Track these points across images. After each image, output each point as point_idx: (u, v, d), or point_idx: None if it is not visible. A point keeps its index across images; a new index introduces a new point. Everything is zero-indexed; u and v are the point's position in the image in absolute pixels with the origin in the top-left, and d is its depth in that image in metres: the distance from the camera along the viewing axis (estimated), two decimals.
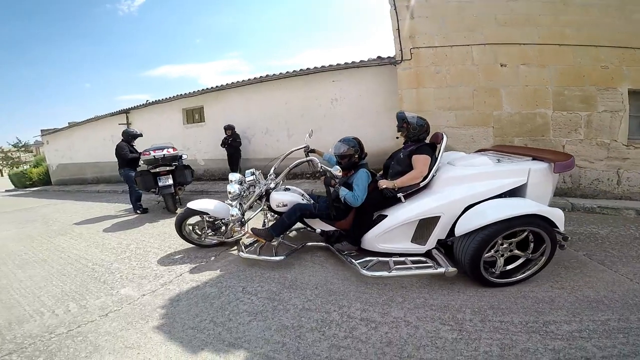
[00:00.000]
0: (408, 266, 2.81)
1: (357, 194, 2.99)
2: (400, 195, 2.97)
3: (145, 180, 5.83)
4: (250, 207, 3.70)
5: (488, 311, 2.35)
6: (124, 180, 6.65)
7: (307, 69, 8.52)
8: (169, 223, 5.34)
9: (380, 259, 2.96)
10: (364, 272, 2.78)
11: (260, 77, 9.18)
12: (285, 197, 3.41)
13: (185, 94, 10.76)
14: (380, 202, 3.09)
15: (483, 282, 2.62)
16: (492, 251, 2.60)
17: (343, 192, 3.06)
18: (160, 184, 5.81)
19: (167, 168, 5.88)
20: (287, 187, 3.71)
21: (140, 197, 6.69)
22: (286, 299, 2.68)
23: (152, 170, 5.82)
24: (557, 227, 2.53)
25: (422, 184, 2.97)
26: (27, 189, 17.46)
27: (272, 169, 3.85)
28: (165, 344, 2.21)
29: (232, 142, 8.63)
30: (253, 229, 3.46)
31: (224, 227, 3.86)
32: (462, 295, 2.56)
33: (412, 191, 2.99)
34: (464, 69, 5.52)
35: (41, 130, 19.29)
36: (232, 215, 3.35)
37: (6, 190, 18.09)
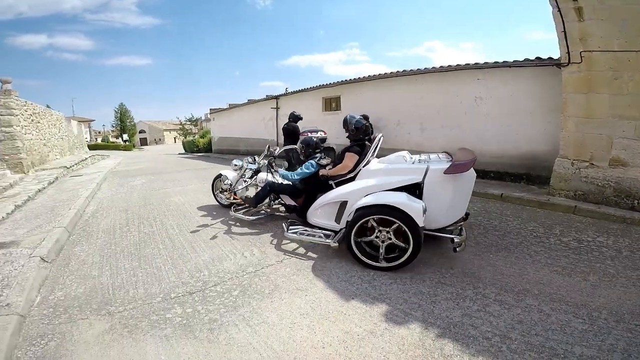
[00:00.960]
0: (309, 234, 3.65)
1: (291, 176, 4.20)
2: (331, 182, 3.86)
3: (297, 158, 7.01)
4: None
5: (626, 315, 2.34)
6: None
7: (449, 65, 8.41)
8: None
9: (308, 229, 3.75)
10: (286, 233, 3.72)
11: (397, 71, 9.50)
12: (263, 176, 4.72)
13: (325, 84, 11.98)
14: (321, 186, 4.00)
15: (355, 259, 3.20)
16: (374, 236, 3.14)
17: (282, 171, 4.40)
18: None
19: (317, 149, 6.92)
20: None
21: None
22: (422, 271, 3.05)
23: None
24: (415, 220, 2.86)
25: (348, 175, 3.76)
26: (195, 154, 22.30)
27: (263, 154, 5.28)
28: (325, 291, 2.78)
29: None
30: (245, 197, 4.81)
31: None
32: (602, 300, 2.56)
33: (341, 180, 3.80)
34: None
35: (210, 109, 24.31)
36: (225, 183, 4.99)
37: (179, 154, 23.46)
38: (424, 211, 2.92)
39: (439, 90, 8.70)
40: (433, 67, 8.76)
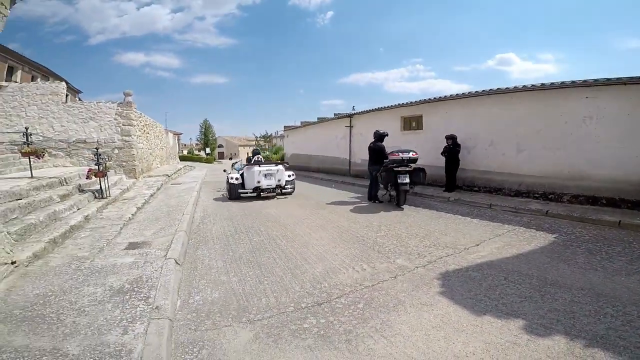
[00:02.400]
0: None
1: None
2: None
3: (388, 177, 6.94)
4: None
5: None
6: (375, 175, 7.74)
7: (552, 83, 7.68)
8: (401, 215, 6.19)
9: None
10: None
11: (490, 89, 8.95)
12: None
13: (404, 103, 11.77)
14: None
15: None
16: None
17: None
18: (399, 181, 6.75)
19: (407, 168, 6.80)
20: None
21: (378, 190, 7.89)
22: (552, 292, 2.91)
23: (395, 169, 6.84)
24: None
25: None
26: None
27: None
28: (452, 306, 2.71)
29: (452, 151, 8.90)
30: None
31: None
32: None
33: None
34: None
35: (284, 127, 25.56)
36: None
37: None
38: None
39: (539, 109, 7.97)
40: (532, 85, 8.08)
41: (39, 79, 12.93)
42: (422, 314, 2.62)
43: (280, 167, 8.66)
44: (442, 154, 9.10)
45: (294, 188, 9.04)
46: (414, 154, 6.88)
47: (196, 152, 47.78)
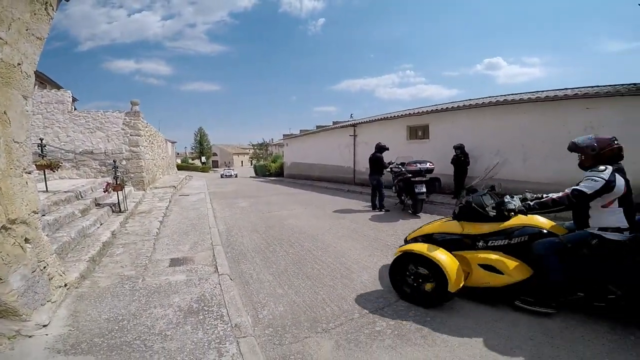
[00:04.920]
0: None
1: None
2: None
3: (405, 186, 7.10)
4: None
5: None
6: (375, 184, 8.04)
7: (555, 95, 8.10)
8: (420, 222, 6.28)
9: None
10: None
11: (497, 100, 9.28)
12: None
13: (410, 112, 12.06)
14: None
15: None
16: None
17: None
18: (416, 190, 6.91)
19: (424, 178, 6.99)
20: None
21: (384, 199, 8.06)
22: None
23: (412, 179, 7.00)
24: None
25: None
26: (266, 178, 23.42)
27: None
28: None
29: (460, 160, 9.13)
30: None
31: None
32: None
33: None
34: None
35: (283, 135, 25.53)
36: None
37: (251, 177, 24.83)
38: None
39: (543, 119, 8.34)
40: (537, 97, 8.48)
41: (36, 87, 12.62)
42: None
43: None
44: (451, 162, 9.32)
45: None
46: (430, 164, 7.14)
47: (190, 161, 47.28)
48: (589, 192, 2.47)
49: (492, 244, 2.87)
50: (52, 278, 2.79)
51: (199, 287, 3.25)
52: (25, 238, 2.39)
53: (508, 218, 2.88)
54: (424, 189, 6.97)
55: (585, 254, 2.54)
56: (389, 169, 8.22)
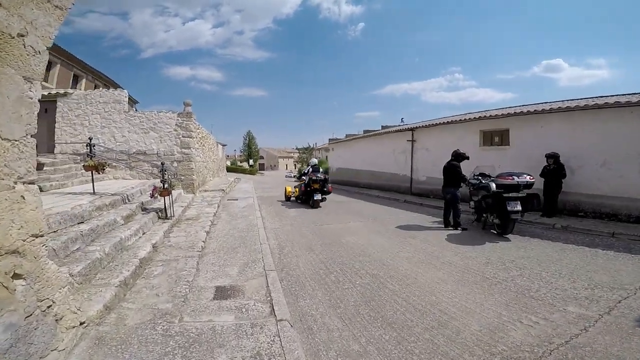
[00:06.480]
0: None
1: None
2: None
3: (495, 203, 5.77)
4: None
5: None
6: (450, 198, 6.79)
7: None
8: (514, 247, 5.13)
9: None
10: None
11: (605, 102, 7.54)
12: None
13: (484, 115, 10.51)
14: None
15: None
16: None
17: None
18: (509, 208, 5.57)
19: (520, 194, 5.62)
20: None
21: (459, 215, 6.77)
22: None
23: (504, 194, 5.66)
24: None
25: None
26: None
27: None
28: None
29: (554, 172, 7.51)
30: None
31: None
32: None
33: None
34: None
35: (329, 139, 24.81)
36: None
37: (296, 181, 24.24)
38: None
39: None
40: None
41: (101, 88, 13.08)
42: None
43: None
44: (540, 175, 7.72)
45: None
46: (530, 177, 5.73)
47: (239, 163, 48.45)
48: None
49: None
50: (61, 318, 2.07)
51: (252, 338, 2.37)
52: (15, 273, 1.65)
53: None
54: (519, 207, 5.58)
55: None
56: (467, 182, 6.97)
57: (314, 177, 9.47)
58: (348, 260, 4.54)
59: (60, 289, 2.09)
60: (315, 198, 9.30)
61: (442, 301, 3.23)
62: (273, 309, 2.81)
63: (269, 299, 3.04)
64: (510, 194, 5.66)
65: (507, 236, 5.81)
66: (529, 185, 5.72)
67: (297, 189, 10.40)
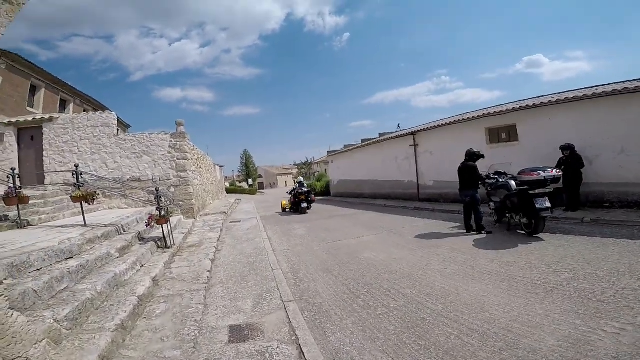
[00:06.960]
0: None
1: None
2: None
3: (521, 201, 5.35)
4: None
5: None
6: (469, 201, 6.36)
7: None
8: (551, 247, 4.66)
9: None
10: None
11: (614, 89, 7.24)
12: None
13: (488, 112, 10.18)
14: None
15: None
16: None
17: None
18: (537, 205, 5.14)
19: (547, 190, 5.20)
20: None
21: (482, 218, 6.32)
22: None
23: (530, 192, 5.24)
24: None
25: None
26: None
27: None
28: None
29: (571, 163, 7.13)
30: None
31: None
32: None
33: None
34: None
35: (327, 152, 24.45)
36: None
37: None
38: None
39: None
40: None
41: (90, 112, 12.68)
42: None
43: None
44: (557, 167, 7.33)
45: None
46: (557, 171, 5.34)
47: (238, 184, 47.94)
48: None
49: None
50: None
51: None
52: None
53: None
54: (548, 204, 5.15)
55: None
56: (485, 182, 6.59)
57: (300, 190, 12.19)
58: (372, 279, 4.05)
59: (34, 344, 1.60)
60: (302, 206, 11.94)
61: (499, 317, 2.76)
62: (302, 352, 2.31)
63: (293, 338, 2.54)
64: (537, 191, 5.23)
65: (537, 236, 5.36)
66: (556, 180, 5.31)
67: (289, 202, 12.87)
